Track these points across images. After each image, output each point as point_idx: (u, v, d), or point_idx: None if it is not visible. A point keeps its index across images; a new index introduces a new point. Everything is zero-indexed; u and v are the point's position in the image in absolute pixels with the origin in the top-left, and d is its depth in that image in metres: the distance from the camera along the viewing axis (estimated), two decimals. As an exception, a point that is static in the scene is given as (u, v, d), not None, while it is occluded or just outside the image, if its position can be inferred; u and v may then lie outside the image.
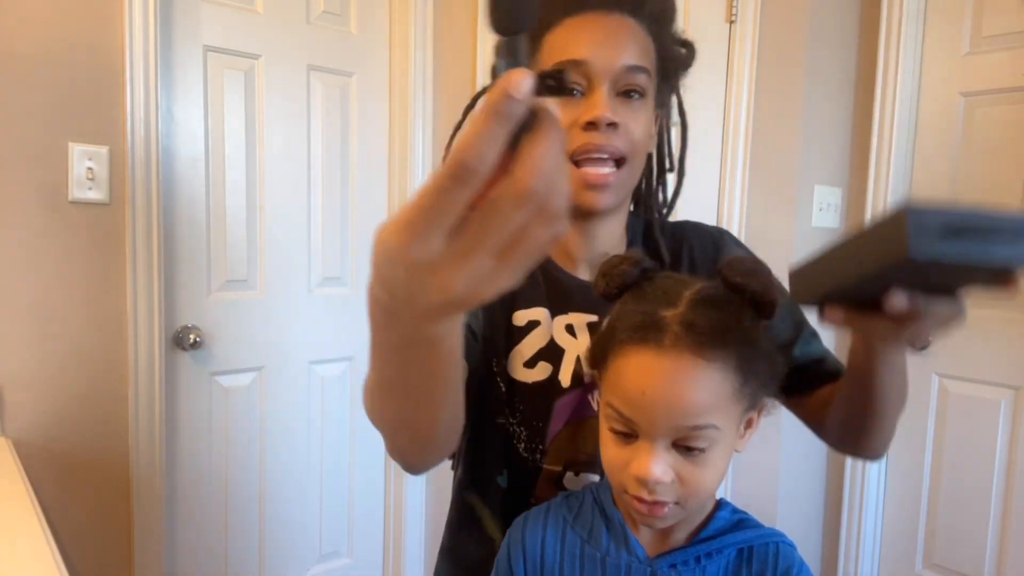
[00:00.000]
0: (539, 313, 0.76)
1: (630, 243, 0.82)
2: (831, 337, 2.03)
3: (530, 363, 0.75)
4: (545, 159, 0.29)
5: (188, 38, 1.68)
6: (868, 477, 1.98)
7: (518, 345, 0.75)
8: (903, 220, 0.39)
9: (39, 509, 1.06)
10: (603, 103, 0.69)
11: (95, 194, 1.52)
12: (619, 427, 0.59)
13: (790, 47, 1.78)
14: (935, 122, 1.87)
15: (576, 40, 0.70)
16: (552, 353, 0.75)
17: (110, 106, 1.53)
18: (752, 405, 0.60)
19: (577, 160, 0.70)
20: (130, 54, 1.53)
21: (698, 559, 0.62)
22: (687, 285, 0.61)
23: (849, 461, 1.99)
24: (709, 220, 1.86)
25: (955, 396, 1.86)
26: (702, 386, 0.56)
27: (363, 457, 2.10)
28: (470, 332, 0.72)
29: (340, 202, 1.99)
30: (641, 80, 0.71)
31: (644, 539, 0.64)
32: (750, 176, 1.85)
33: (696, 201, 1.84)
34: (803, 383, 0.76)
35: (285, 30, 1.84)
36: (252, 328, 1.84)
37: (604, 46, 0.70)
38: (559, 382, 0.74)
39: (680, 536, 0.64)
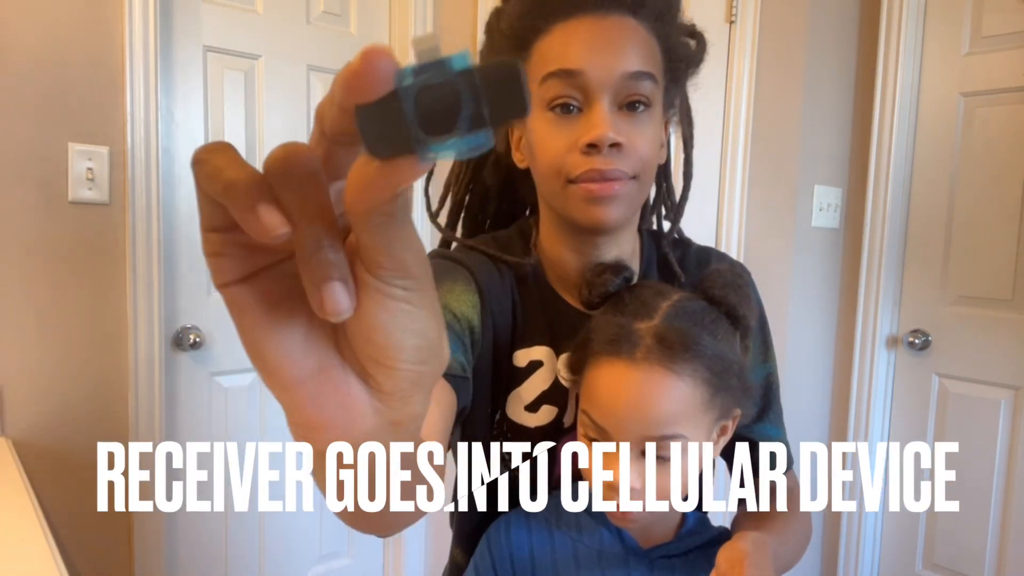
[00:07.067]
0: (541, 352, 0.69)
1: (645, 266, 0.74)
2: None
3: (532, 407, 0.69)
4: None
5: (188, 38, 1.68)
6: (868, 477, 1.98)
7: (518, 388, 0.69)
8: None
9: (39, 509, 1.06)
10: (603, 121, 0.60)
11: (95, 194, 1.52)
12: (593, 434, 0.61)
13: (790, 47, 1.78)
14: (935, 122, 1.87)
15: (570, 47, 0.61)
16: (557, 395, 0.69)
17: (110, 106, 1.53)
18: (724, 415, 0.63)
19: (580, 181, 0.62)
20: (130, 54, 1.53)
21: (687, 553, 0.66)
22: (666, 296, 0.62)
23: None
24: (709, 220, 1.87)
25: (955, 396, 1.86)
26: (671, 397, 0.57)
27: (363, 457, 2.09)
28: (460, 366, 0.62)
29: (340, 202, 1.99)
30: (646, 88, 0.62)
31: (633, 534, 0.67)
32: (750, 176, 1.85)
33: (696, 202, 1.83)
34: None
35: (285, 30, 1.83)
36: (252, 328, 1.84)
37: (602, 52, 0.60)
38: (564, 425, 0.69)
39: (664, 532, 0.67)
